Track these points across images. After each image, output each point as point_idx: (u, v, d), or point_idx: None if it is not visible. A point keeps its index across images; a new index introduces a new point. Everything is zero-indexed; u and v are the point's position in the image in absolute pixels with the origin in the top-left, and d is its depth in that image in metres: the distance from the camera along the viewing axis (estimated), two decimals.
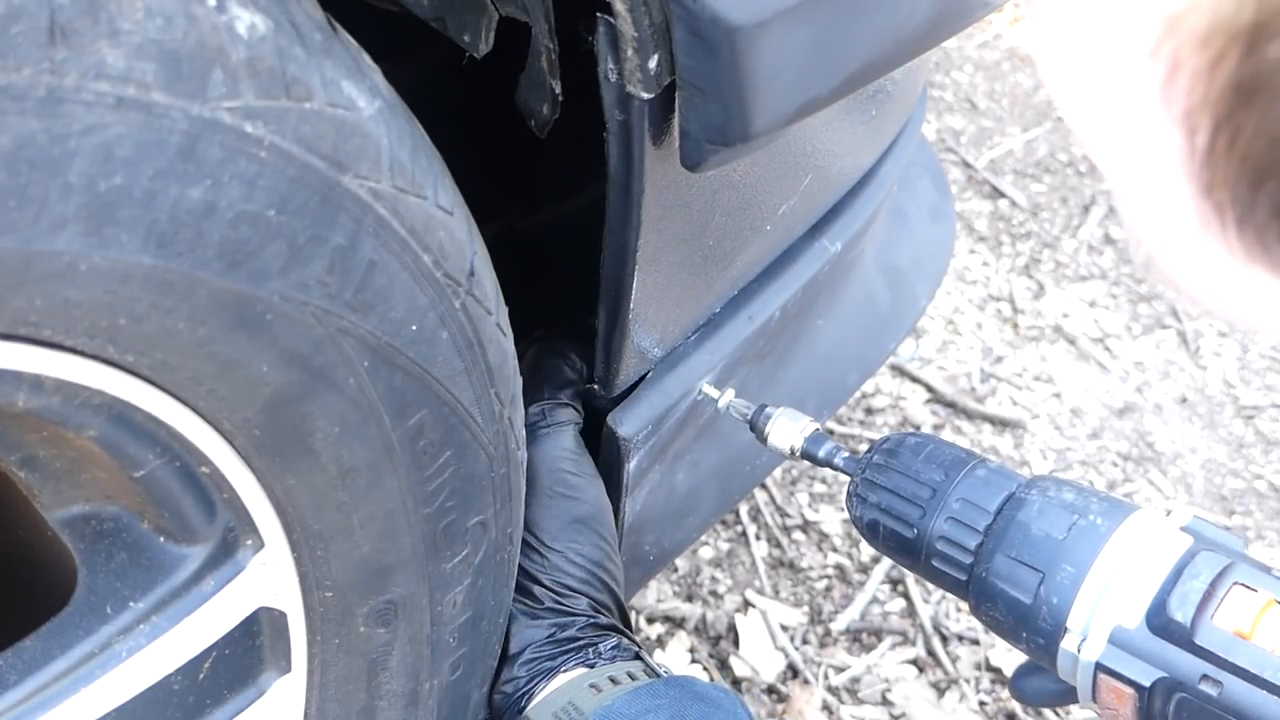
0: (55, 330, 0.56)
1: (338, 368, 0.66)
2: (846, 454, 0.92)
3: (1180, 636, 0.71)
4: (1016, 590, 0.77)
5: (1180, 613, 0.70)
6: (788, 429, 0.94)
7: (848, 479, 0.90)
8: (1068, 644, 0.75)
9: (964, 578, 0.82)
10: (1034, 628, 0.77)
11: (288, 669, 0.78)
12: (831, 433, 1.86)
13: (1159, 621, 0.71)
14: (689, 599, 1.62)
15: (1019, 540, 0.78)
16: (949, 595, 1.36)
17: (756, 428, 0.95)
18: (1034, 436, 1.90)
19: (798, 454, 0.93)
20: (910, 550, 0.85)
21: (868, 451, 0.89)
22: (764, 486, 1.76)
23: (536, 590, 0.92)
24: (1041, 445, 1.88)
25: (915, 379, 1.96)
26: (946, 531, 0.82)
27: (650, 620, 1.59)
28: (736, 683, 1.54)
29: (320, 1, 0.62)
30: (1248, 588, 0.70)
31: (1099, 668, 0.74)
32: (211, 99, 0.55)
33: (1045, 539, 0.77)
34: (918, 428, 1.88)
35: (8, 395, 0.58)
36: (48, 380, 0.58)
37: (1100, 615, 0.74)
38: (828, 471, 1.78)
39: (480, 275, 0.73)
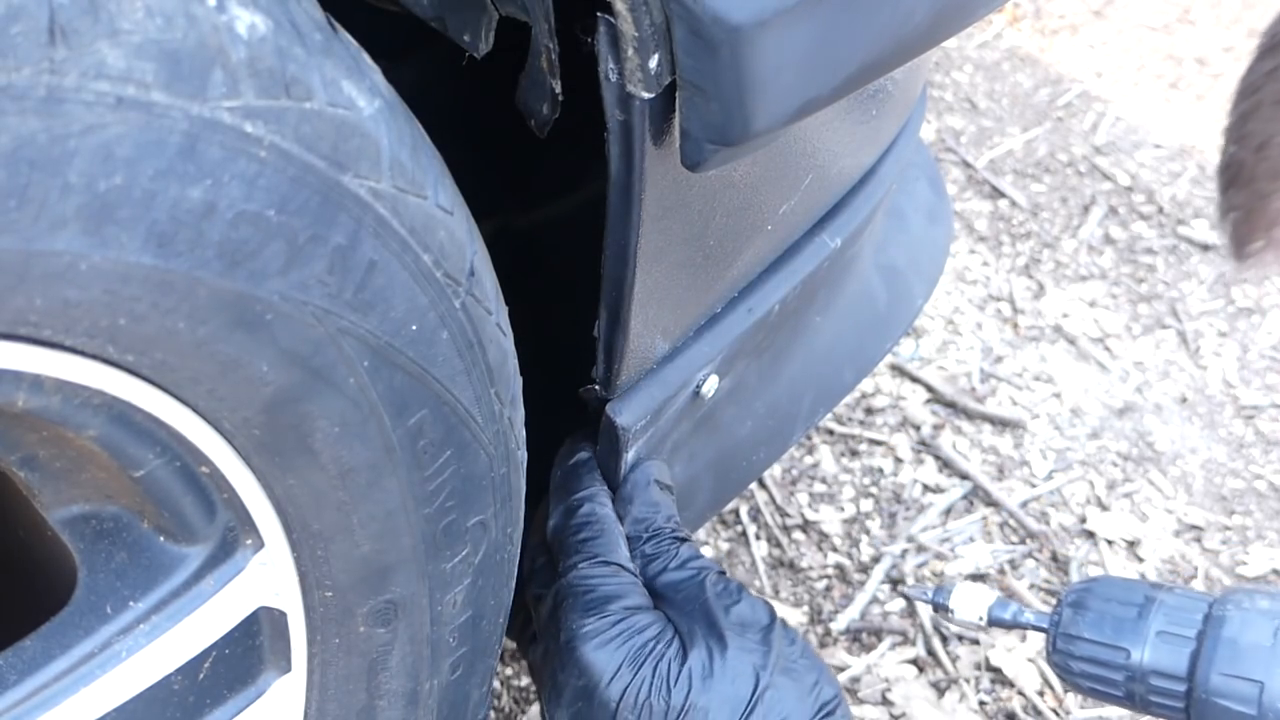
0: (55, 330, 0.56)
1: (338, 367, 0.66)
2: (1032, 614, 0.97)
3: None
4: (1239, 704, 0.82)
5: None
6: (972, 602, 1.00)
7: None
8: None
9: (1182, 705, 0.86)
10: None
11: (288, 669, 0.78)
12: (831, 432, 1.86)
13: None
14: None
15: (1229, 656, 0.83)
16: None
17: (939, 606, 1.02)
18: (1034, 436, 1.90)
19: (985, 622, 0.99)
20: (1124, 691, 0.89)
21: (1055, 606, 0.95)
22: (764, 486, 1.76)
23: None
24: (1041, 445, 1.89)
25: (915, 379, 1.96)
26: (1155, 664, 0.86)
27: None
28: None
29: (320, 1, 0.62)
30: None
31: None
32: (211, 99, 0.55)
33: (1255, 649, 0.82)
34: (918, 428, 1.88)
35: (8, 395, 0.58)
36: (48, 380, 0.58)
37: None
38: (828, 472, 1.78)
39: (480, 275, 0.73)
